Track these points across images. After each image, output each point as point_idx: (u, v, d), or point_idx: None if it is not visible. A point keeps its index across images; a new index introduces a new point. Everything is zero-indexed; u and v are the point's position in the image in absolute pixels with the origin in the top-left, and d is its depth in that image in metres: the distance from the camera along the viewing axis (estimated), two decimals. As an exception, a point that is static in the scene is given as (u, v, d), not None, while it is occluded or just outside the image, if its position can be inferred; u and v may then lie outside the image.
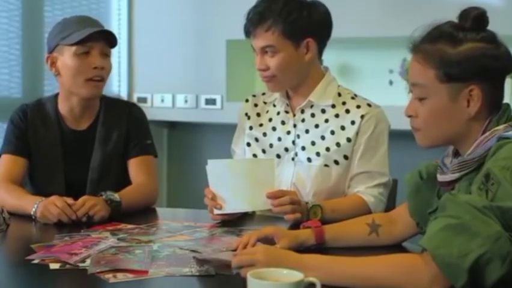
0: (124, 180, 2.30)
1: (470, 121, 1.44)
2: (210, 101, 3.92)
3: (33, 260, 1.58)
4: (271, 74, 2.11)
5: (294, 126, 2.18)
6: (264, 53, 2.10)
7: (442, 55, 1.43)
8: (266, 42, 2.08)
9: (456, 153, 1.52)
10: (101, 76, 2.24)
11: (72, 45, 2.19)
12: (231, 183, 1.97)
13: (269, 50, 2.09)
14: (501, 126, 1.41)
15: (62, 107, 2.32)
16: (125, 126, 2.35)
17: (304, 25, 2.07)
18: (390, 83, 3.58)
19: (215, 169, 2.00)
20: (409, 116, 1.52)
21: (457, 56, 1.42)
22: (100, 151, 2.31)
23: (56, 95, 2.35)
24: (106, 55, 2.26)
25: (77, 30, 2.20)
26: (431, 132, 1.49)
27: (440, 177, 1.51)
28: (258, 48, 2.11)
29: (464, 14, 1.45)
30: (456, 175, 1.45)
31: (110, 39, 2.26)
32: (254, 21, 2.09)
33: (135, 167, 2.33)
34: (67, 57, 2.21)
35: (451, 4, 3.11)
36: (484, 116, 1.44)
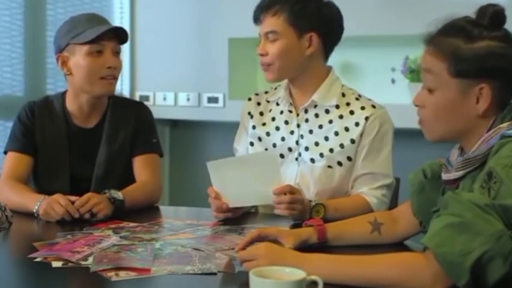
0: (129, 178, 2.30)
1: (478, 118, 1.43)
2: (212, 99, 3.92)
3: (35, 258, 1.58)
4: (269, 61, 2.12)
5: (298, 126, 2.18)
6: (266, 39, 2.12)
7: (455, 50, 1.41)
8: (270, 27, 2.10)
9: (462, 151, 1.51)
10: (114, 75, 2.25)
11: (84, 44, 2.19)
12: (234, 181, 1.97)
13: (271, 36, 2.10)
14: (505, 124, 1.40)
15: (71, 105, 2.32)
16: (132, 125, 2.35)
17: (309, 16, 2.08)
18: (393, 81, 3.57)
19: (216, 169, 2.00)
20: (416, 106, 1.50)
21: (470, 52, 1.40)
22: (106, 148, 2.31)
23: (64, 93, 2.35)
24: (118, 53, 2.27)
25: (88, 28, 2.19)
26: (436, 126, 1.48)
27: (445, 176, 1.51)
28: (263, 34, 2.13)
29: (482, 10, 1.44)
30: (460, 173, 1.44)
31: (120, 37, 2.27)
32: (263, 7, 2.12)
33: (140, 165, 2.33)
34: (79, 57, 2.21)
35: (454, 2, 3.12)
36: (492, 114, 1.43)
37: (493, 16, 1.42)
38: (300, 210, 1.94)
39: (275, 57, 2.10)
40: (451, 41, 1.43)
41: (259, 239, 1.59)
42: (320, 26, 2.10)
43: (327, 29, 2.13)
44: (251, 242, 1.58)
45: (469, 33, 1.42)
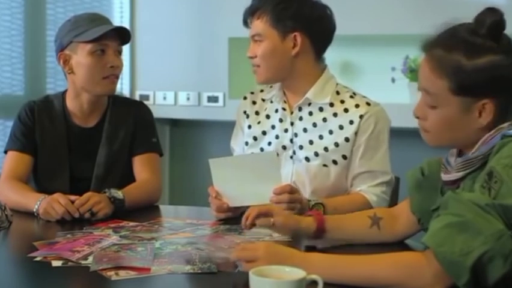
0: (129, 178, 2.30)
1: (481, 130, 1.41)
2: (212, 99, 3.92)
3: (35, 257, 1.58)
4: (257, 63, 2.14)
5: (292, 124, 2.17)
6: (255, 42, 2.14)
7: (457, 66, 1.37)
8: (255, 30, 2.12)
9: (460, 152, 1.51)
10: (116, 74, 2.26)
11: (87, 42, 2.19)
12: (234, 180, 1.97)
13: (257, 38, 2.12)
14: (505, 124, 1.40)
15: (71, 105, 2.32)
16: (132, 124, 2.36)
17: (291, 17, 2.08)
18: (393, 80, 3.57)
19: (217, 167, 2.00)
20: (417, 117, 1.49)
21: (472, 68, 1.36)
22: (106, 148, 2.31)
23: (64, 93, 2.35)
24: (119, 53, 2.28)
25: (91, 27, 2.20)
26: (439, 136, 1.46)
27: (445, 177, 1.50)
28: (251, 36, 2.15)
29: (480, 20, 1.40)
30: (460, 174, 1.43)
31: (123, 37, 2.27)
32: (249, 11, 2.15)
33: (140, 164, 2.33)
34: (81, 55, 2.21)
35: (455, 2, 3.12)
36: (496, 124, 1.41)
37: (491, 26, 1.38)
38: (299, 209, 1.93)
39: (260, 58, 2.12)
40: (453, 56, 1.38)
41: (259, 215, 1.67)
42: (304, 26, 2.10)
43: (312, 28, 2.11)
44: (253, 224, 1.70)
45: (471, 47, 1.38)
